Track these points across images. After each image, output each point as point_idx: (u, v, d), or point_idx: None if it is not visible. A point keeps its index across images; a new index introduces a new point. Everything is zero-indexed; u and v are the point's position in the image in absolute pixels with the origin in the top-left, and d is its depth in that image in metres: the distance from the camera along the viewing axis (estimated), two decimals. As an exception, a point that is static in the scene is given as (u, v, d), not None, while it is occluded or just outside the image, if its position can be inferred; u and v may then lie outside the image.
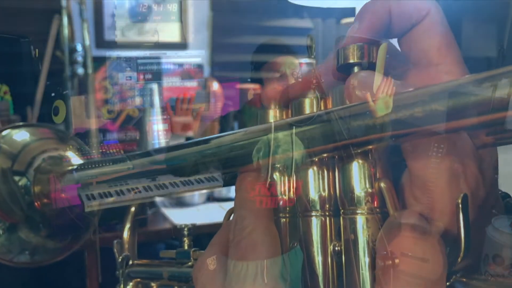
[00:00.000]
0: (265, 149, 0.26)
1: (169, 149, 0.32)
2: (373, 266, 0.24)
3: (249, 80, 2.07)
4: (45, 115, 1.74)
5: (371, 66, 0.24)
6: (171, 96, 2.03)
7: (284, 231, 0.26)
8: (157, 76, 2.02)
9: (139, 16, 1.99)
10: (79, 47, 1.74)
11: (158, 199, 1.26)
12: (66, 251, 0.50)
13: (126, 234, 0.55)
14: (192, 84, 2.06)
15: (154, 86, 2.01)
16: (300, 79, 0.28)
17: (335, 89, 0.26)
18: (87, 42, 1.77)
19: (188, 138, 2.05)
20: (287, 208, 0.26)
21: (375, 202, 0.24)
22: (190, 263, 0.45)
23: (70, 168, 0.47)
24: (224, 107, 2.10)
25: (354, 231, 0.24)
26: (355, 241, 0.24)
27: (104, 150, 1.72)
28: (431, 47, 0.25)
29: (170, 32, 2.05)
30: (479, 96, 0.20)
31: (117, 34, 1.96)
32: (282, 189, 0.26)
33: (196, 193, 1.76)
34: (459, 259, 0.22)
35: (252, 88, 2.00)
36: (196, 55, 2.08)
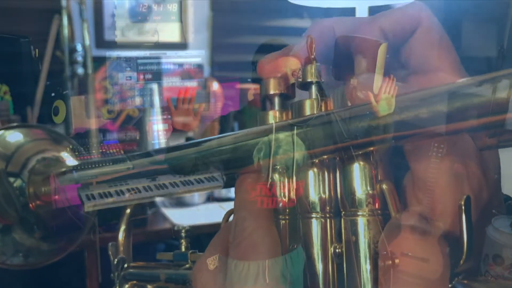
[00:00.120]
0: (266, 149, 0.26)
1: (169, 149, 0.32)
2: (374, 268, 0.24)
3: (249, 80, 2.07)
4: (45, 115, 1.74)
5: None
6: (171, 96, 2.03)
7: (284, 233, 0.26)
8: (157, 76, 2.02)
9: (139, 16, 1.99)
10: (79, 47, 1.74)
11: (158, 199, 1.26)
12: (60, 252, 0.50)
13: (121, 236, 0.55)
14: (192, 84, 2.06)
15: (154, 86, 2.01)
16: (297, 51, 0.28)
17: (336, 89, 0.27)
18: (87, 42, 1.77)
19: (188, 139, 2.05)
20: (287, 210, 0.26)
21: (377, 204, 0.24)
22: (187, 265, 0.45)
23: (69, 168, 0.47)
24: (224, 107, 2.10)
25: (355, 233, 0.24)
26: (356, 243, 0.24)
27: (104, 150, 1.71)
28: (428, 56, 0.25)
29: (170, 32, 2.05)
30: (479, 97, 0.20)
31: (117, 34, 1.96)
32: (282, 190, 0.26)
33: (196, 193, 1.77)
34: (462, 261, 0.22)
35: (252, 88, 2.00)
36: (196, 55, 2.08)
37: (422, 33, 0.25)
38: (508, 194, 0.29)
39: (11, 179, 0.46)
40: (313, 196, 0.26)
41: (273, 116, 0.28)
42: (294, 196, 0.26)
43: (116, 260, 0.52)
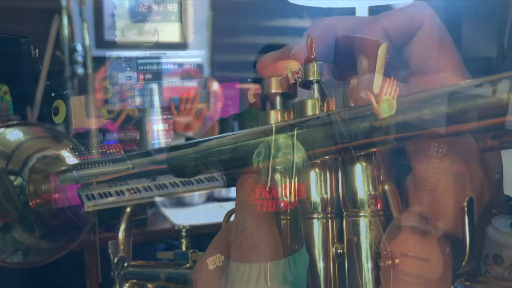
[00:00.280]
0: (266, 152, 0.26)
1: (169, 149, 0.32)
2: (376, 268, 0.23)
3: (249, 80, 2.07)
4: (45, 115, 1.74)
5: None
6: (171, 96, 2.02)
7: (285, 233, 0.26)
8: (157, 76, 2.01)
9: (139, 16, 1.99)
10: (79, 47, 1.74)
11: (158, 199, 1.25)
12: (60, 251, 0.50)
13: (121, 234, 0.55)
14: (192, 84, 2.06)
15: (154, 86, 2.01)
16: (298, 50, 0.28)
17: (337, 90, 0.26)
18: (87, 42, 1.77)
19: (188, 139, 2.04)
20: (288, 211, 0.26)
21: (379, 205, 0.24)
22: (188, 265, 0.45)
23: (69, 167, 0.47)
24: (224, 107, 2.10)
25: (357, 233, 0.24)
26: (358, 244, 0.24)
27: (104, 150, 1.71)
28: (430, 57, 0.25)
29: (170, 32, 2.05)
30: (480, 99, 0.20)
31: (117, 34, 1.96)
32: (283, 192, 0.26)
33: (196, 193, 1.76)
34: (464, 263, 0.22)
35: (253, 88, 2.00)
36: (196, 55, 2.07)
37: (424, 33, 0.25)
38: (509, 195, 0.29)
39: (12, 177, 0.46)
40: (315, 196, 0.25)
41: (274, 117, 0.28)
42: (295, 198, 0.26)
43: (116, 258, 0.52)
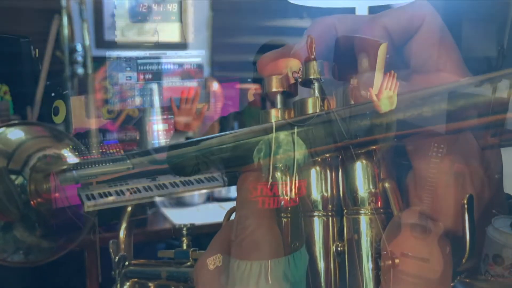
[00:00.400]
0: (266, 150, 0.26)
1: (169, 148, 0.32)
2: (376, 265, 0.23)
3: (249, 80, 2.07)
4: (45, 115, 1.74)
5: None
6: (171, 96, 2.02)
7: (286, 231, 0.26)
8: (157, 76, 2.01)
9: (139, 16, 1.99)
10: (79, 47, 1.74)
11: (158, 199, 1.25)
12: (61, 250, 0.50)
13: (122, 233, 0.55)
14: (192, 84, 2.06)
15: (154, 86, 2.01)
16: (298, 49, 0.28)
17: (338, 89, 0.27)
18: (87, 42, 1.77)
19: (188, 138, 2.04)
20: (289, 208, 0.26)
21: (379, 203, 0.24)
22: (189, 263, 0.45)
23: (69, 167, 0.47)
24: (224, 107, 2.10)
25: (357, 231, 0.24)
26: (359, 241, 0.24)
27: (104, 150, 1.71)
28: (430, 55, 0.25)
29: (170, 32, 2.05)
30: (480, 97, 0.20)
31: (117, 34, 1.96)
32: (284, 189, 0.26)
33: (196, 193, 1.76)
34: (464, 260, 0.22)
35: (252, 88, 2.00)
36: (196, 55, 2.07)
37: (425, 32, 0.25)
38: (510, 193, 0.29)
39: (13, 177, 0.46)
40: (316, 194, 0.25)
41: (275, 115, 0.28)
42: (296, 195, 0.26)
43: (117, 257, 0.52)
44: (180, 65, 2.05)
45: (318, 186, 0.26)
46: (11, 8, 1.79)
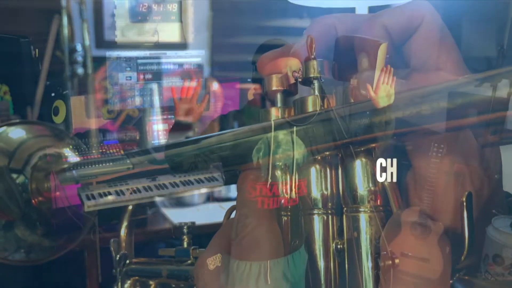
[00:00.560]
0: (265, 149, 0.26)
1: (168, 146, 0.32)
2: (376, 263, 0.24)
3: (249, 80, 2.07)
4: (45, 115, 1.74)
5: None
6: (171, 96, 2.02)
7: (286, 229, 0.26)
8: (157, 76, 2.01)
9: (139, 16, 1.99)
10: (79, 47, 1.74)
11: (158, 199, 1.25)
12: (62, 249, 0.50)
13: (123, 232, 0.55)
14: (192, 84, 2.06)
15: (154, 86, 2.01)
16: (297, 49, 0.28)
17: (338, 89, 0.27)
18: (87, 42, 1.77)
19: (186, 128, 2.04)
20: (289, 207, 0.26)
21: (378, 200, 0.24)
22: (189, 261, 0.45)
23: (69, 167, 0.47)
24: (224, 107, 2.10)
25: (357, 229, 0.24)
26: (358, 239, 0.24)
27: (104, 150, 1.71)
28: (430, 54, 0.25)
29: (170, 32, 2.05)
30: (480, 95, 0.20)
31: (117, 34, 1.96)
32: (284, 188, 0.26)
33: (196, 193, 1.77)
34: (463, 258, 0.22)
35: (252, 87, 1.99)
36: (196, 55, 2.07)
37: (424, 30, 0.25)
38: (509, 191, 0.29)
39: (14, 175, 0.46)
40: (315, 192, 0.26)
41: (275, 114, 0.28)
42: (296, 194, 0.26)
43: (118, 256, 0.52)
44: (180, 65, 2.05)
45: (318, 184, 0.26)
46: (11, 8, 1.79)
